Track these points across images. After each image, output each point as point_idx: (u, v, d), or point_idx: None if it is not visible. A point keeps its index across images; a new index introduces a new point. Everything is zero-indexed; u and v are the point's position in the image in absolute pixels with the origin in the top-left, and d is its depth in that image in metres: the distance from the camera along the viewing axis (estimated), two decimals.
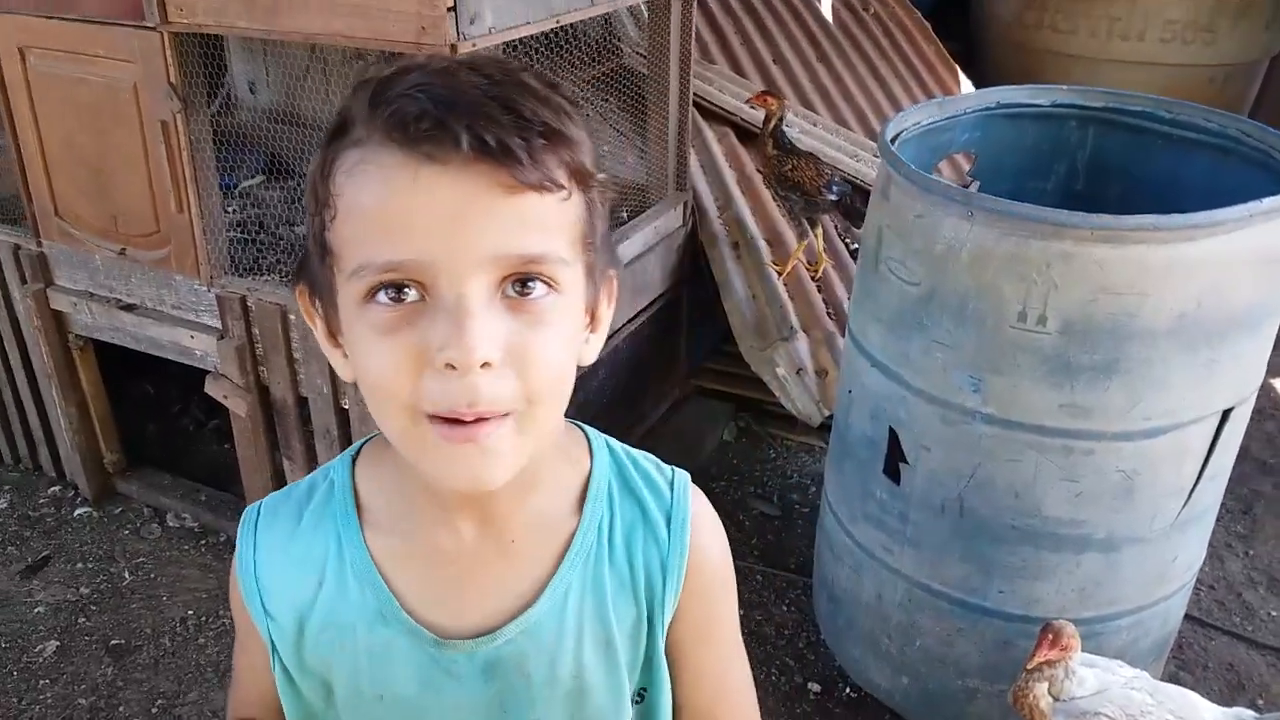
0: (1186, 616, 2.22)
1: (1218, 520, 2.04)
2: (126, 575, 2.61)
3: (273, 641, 0.85)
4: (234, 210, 2.67)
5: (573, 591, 0.83)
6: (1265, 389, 1.91)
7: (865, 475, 1.99)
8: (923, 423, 1.82)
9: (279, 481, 2.49)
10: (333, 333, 0.76)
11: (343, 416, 2.29)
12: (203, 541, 2.71)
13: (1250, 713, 1.76)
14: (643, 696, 0.90)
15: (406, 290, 0.67)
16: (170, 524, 2.78)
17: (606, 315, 0.80)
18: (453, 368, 0.66)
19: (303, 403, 2.35)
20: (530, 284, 0.68)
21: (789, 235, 2.96)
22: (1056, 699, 1.68)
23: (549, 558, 0.83)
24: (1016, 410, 1.70)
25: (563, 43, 2.43)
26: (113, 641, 2.41)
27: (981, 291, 1.66)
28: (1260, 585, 2.60)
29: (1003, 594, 1.88)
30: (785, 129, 2.76)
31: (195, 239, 2.21)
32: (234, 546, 2.58)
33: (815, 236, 2.85)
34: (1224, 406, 1.74)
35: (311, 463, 2.42)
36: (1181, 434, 1.72)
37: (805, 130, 3.30)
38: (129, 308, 2.46)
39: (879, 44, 4.07)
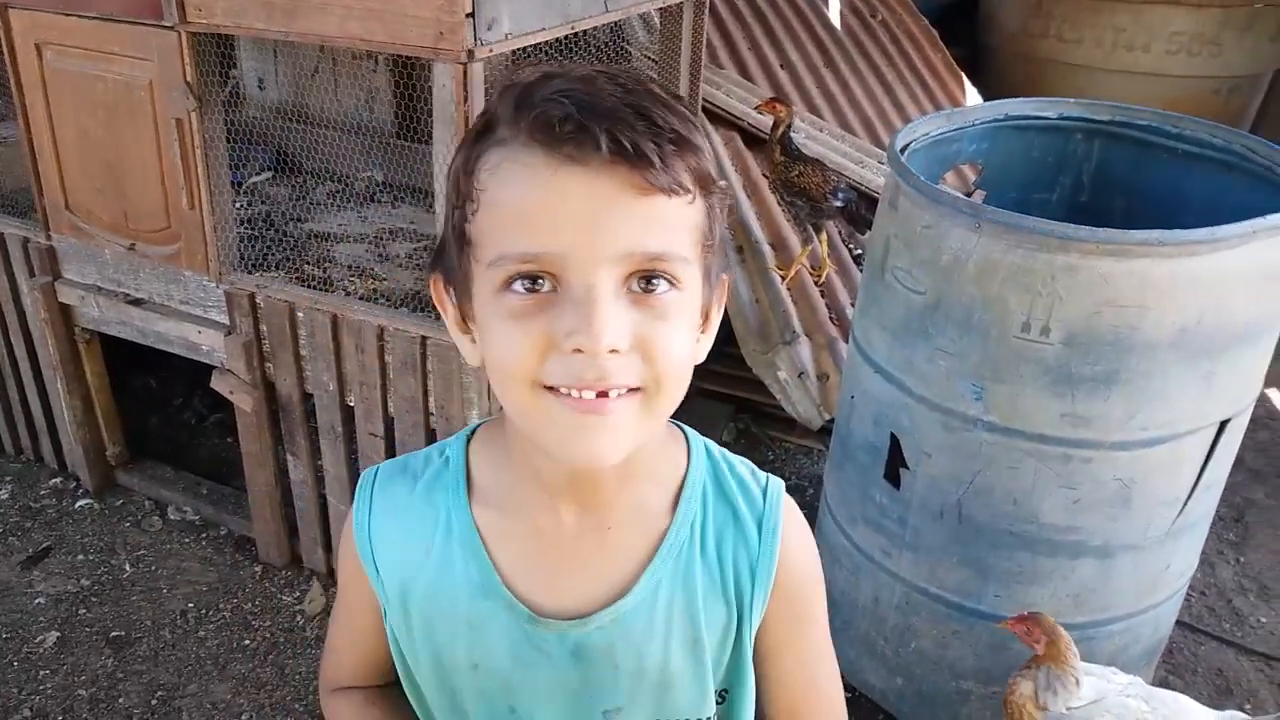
0: (1177, 622, 2.25)
1: (1210, 527, 2.07)
2: (127, 567, 2.62)
3: (384, 600, 0.89)
4: (241, 206, 2.69)
5: (664, 586, 0.86)
6: (1260, 398, 1.93)
7: (866, 479, 2.01)
8: (925, 429, 1.84)
9: (283, 477, 2.51)
10: (464, 319, 0.81)
11: (348, 413, 2.31)
12: (203, 535, 2.73)
13: (1242, 715, 1.79)
14: (724, 698, 0.93)
15: (541, 281, 0.72)
16: (171, 517, 2.79)
17: (716, 317, 0.84)
18: (580, 352, 0.70)
19: (308, 399, 2.37)
20: (654, 280, 0.72)
21: (793, 240, 2.98)
22: (1047, 708, 1.70)
23: (643, 550, 0.87)
24: (1018, 419, 1.73)
25: (573, 47, 2.44)
26: (113, 633, 2.42)
27: (987, 302, 1.68)
28: (1250, 592, 2.63)
29: (998, 598, 1.90)
30: (792, 135, 2.79)
31: (205, 235, 2.22)
32: (235, 540, 2.57)
33: (820, 242, 2.87)
34: (1221, 418, 1.77)
35: (316, 459, 2.44)
36: (1179, 444, 1.75)
37: (811, 135, 3.33)
38: (137, 302, 2.48)
39: (886, 51, 4.09)
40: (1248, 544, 2.81)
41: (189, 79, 2.04)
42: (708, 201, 0.76)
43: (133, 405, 3.03)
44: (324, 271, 2.36)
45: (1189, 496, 1.82)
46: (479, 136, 0.75)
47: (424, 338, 2.08)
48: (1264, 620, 2.54)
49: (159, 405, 3.25)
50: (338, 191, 2.83)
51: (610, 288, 0.71)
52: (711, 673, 0.89)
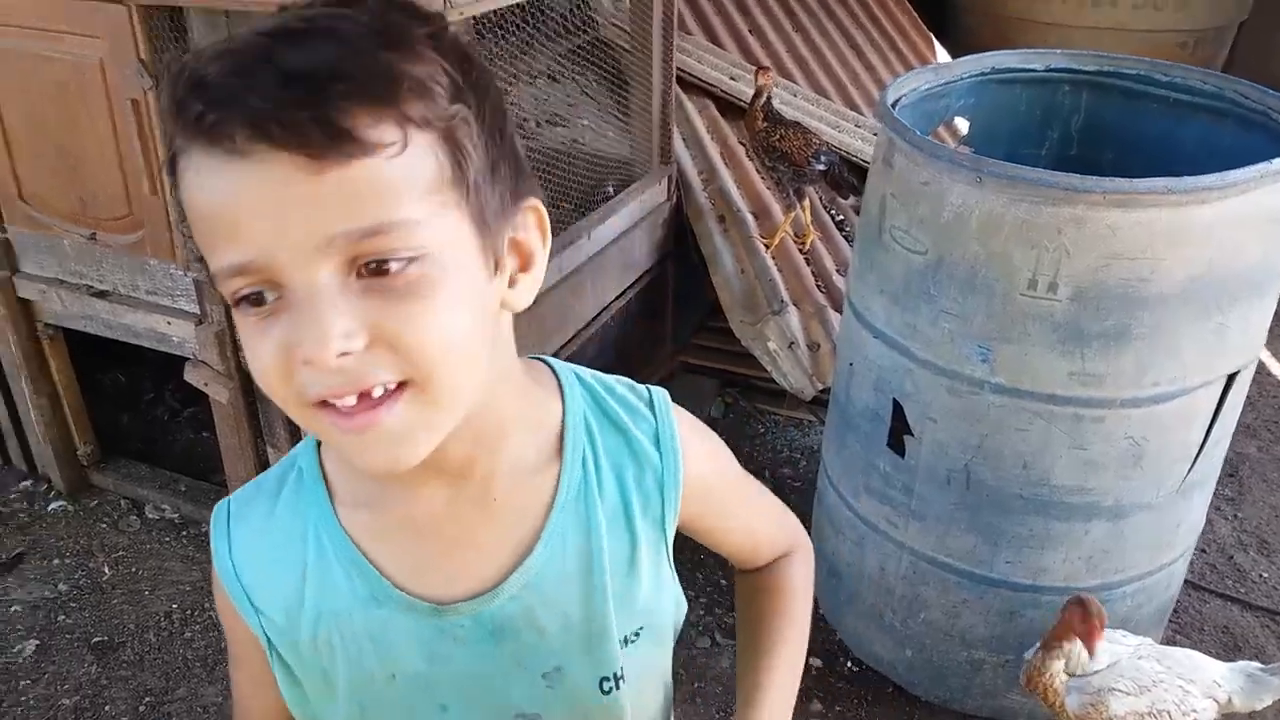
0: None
1: None
2: (106, 570, 2.53)
3: (268, 638, 0.82)
4: None
5: (570, 533, 0.81)
6: None
7: (868, 448, 1.96)
8: (929, 394, 1.79)
9: (263, 469, 2.42)
10: None
11: None
12: (184, 533, 2.64)
13: (1255, 664, 1.78)
14: (637, 636, 0.87)
15: (265, 294, 0.63)
16: (149, 516, 2.70)
17: (540, 250, 0.73)
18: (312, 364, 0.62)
19: None
20: (386, 261, 0.62)
21: (775, 208, 2.92)
22: (1071, 676, 1.67)
23: (538, 506, 0.80)
24: (1026, 379, 1.68)
25: (537, 17, 2.37)
26: (95, 639, 2.34)
27: (991, 259, 1.63)
28: (1250, 547, 2.62)
29: (1010, 564, 1.86)
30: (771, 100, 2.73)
31: (170, 221, 2.13)
32: None
33: (802, 209, 2.82)
34: (1229, 370, 1.74)
35: None
36: (1189, 399, 1.71)
37: (786, 100, 3.26)
38: (101, 294, 2.38)
39: (853, 13, 4.03)
40: (1244, 499, 2.80)
41: (143, 56, 1.94)
42: (440, 134, 0.63)
43: (102, 402, 2.93)
44: None
45: (1199, 452, 1.79)
46: (167, 141, 0.65)
47: None
48: (1265, 575, 2.52)
49: (129, 401, 3.15)
50: None
51: (329, 283, 0.61)
52: (614, 609, 0.83)
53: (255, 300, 0.63)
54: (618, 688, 0.85)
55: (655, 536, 0.85)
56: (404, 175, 0.61)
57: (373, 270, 0.62)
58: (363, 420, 0.64)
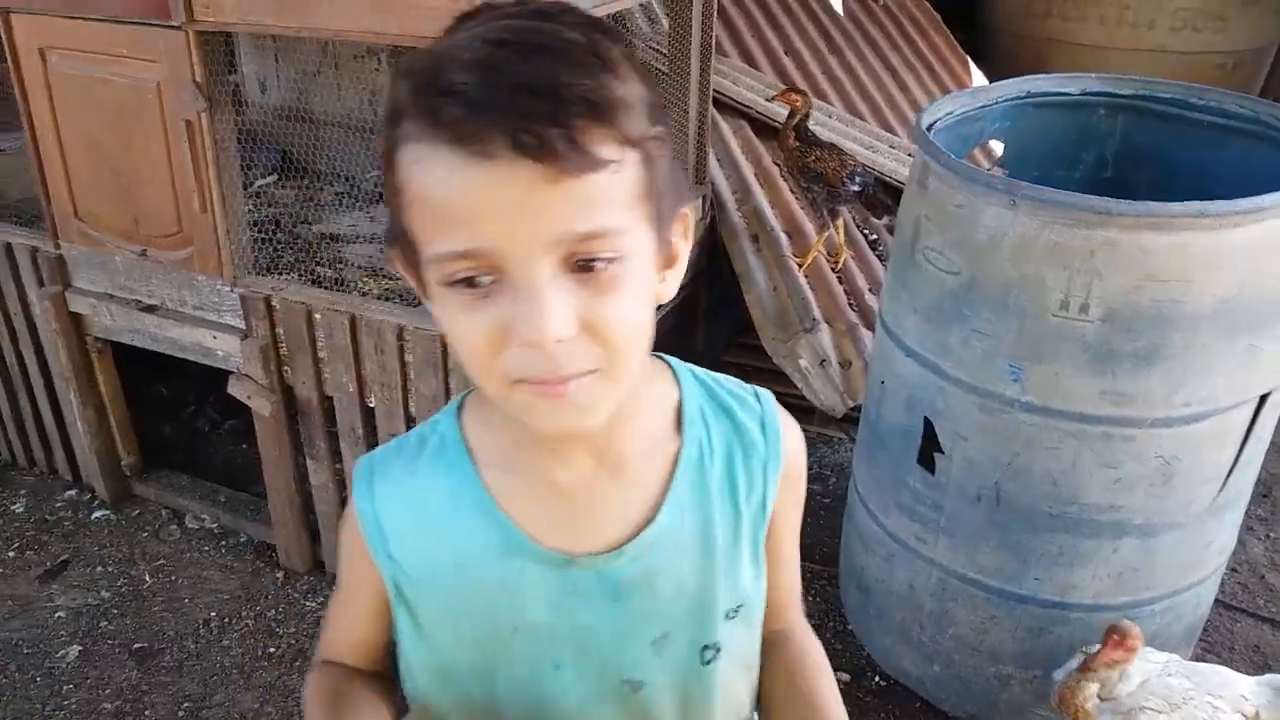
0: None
1: None
2: (147, 578, 2.59)
3: (398, 587, 0.88)
4: (249, 210, 2.65)
5: (687, 508, 0.89)
6: None
7: (898, 465, 1.98)
8: (960, 412, 1.81)
9: (303, 482, 2.48)
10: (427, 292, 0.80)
11: (368, 415, 2.28)
12: (223, 543, 2.70)
13: None
14: (736, 612, 0.94)
15: (479, 278, 0.71)
16: (189, 525, 2.76)
17: (684, 250, 0.82)
18: (529, 345, 0.70)
19: (327, 402, 2.34)
20: (594, 260, 0.71)
21: (808, 227, 2.95)
22: (1104, 699, 1.68)
23: (659, 479, 0.89)
24: (1057, 398, 1.70)
25: None
26: (136, 645, 2.39)
27: (1023, 280, 1.65)
28: None
29: (1038, 581, 1.87)
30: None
31: (219, 239, 2.19)
32: (255, 546, 2.55)
33: (835, 228, 2.84)
34: (1262, 392, 1.74)
35: (336, 463, 2.41)
36: (1221, 420, 1.72)
37: (820, 121, 3.29)
38: (149, 309, 2.44)
39: (889, 35, 4.06)
40: (1277, 519, 2.79)
41: (198, 79, 2.01)
42: (641, 153, 0.72)
43: (144, 414, 3.00)
44: (337, 273, 2.33)
45: (1230, 473, 1.79)
46: (391, 124, 0.73)
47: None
48: None
49: (171, 413, 3.22)
50: (345, 192, 2.80)
51: (549, 275, 0.70)
52: (724, 585, 0.91)
53: (469, 282, 0.71)
54: (716, 658, 0.92)
55: (756, 518, 0.92)
56: (619, 187, 0.71)
57: (581, 266, 0.71)
58: (559, 389, 0.73)
